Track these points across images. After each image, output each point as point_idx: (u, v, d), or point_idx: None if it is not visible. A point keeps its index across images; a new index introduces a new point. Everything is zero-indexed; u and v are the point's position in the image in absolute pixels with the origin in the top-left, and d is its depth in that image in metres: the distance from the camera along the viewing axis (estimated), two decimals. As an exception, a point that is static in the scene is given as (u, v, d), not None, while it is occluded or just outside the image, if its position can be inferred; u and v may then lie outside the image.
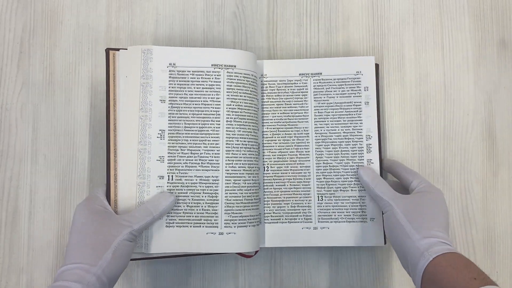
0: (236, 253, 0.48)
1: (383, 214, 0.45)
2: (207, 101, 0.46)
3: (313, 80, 0.50)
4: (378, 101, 0.52)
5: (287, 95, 0.50)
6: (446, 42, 0.56)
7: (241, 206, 0.46)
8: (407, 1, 0.56)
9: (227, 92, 0.46)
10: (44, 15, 0.54)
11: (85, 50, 0.54)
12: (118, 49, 0.47)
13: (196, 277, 0.52)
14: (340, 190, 0.49)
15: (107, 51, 0.47)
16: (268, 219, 0.49)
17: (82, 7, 0.54)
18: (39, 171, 0.52)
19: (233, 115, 0.46)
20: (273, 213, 0.49)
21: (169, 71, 0.46)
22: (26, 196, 0.52)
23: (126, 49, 0.47)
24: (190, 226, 0.45)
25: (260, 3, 0.55)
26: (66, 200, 0.52)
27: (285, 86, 0.51)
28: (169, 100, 0.46)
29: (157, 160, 0.45)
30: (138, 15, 0.55)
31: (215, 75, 0.46)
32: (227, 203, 0.46)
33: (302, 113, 0.50)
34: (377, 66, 0.53)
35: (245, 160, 0.47)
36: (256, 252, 0.49)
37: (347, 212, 0.49)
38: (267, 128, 0.50)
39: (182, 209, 0.45)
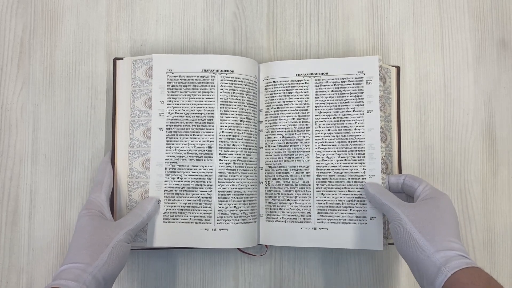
0: (243, 252, 0.49)
1: (389, 224, 0.43)
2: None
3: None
4: (398, 103, 0.52)
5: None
6: (446, 42, 0.56)
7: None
8: (407, 1, 0.56)
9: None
10: (44, 15, 0.54)
11: (85, 50, 0.54)
12: (122, 58, 0.51)
13: (196, 277, 0.52)
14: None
15: (114, 60, 0.51)
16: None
17: (82, 7, 0.54)
18: (39, 171, 0.52)
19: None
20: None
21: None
22: (26, 196, 0.52)
23: (122, 58, 0.51)
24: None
25: (260, 3, 0.55)
26: (66, 200, 0.52)
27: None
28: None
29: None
30: (138, 15, 0.55)
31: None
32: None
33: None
34: (398, 68, 0.52)
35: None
36: (265, 251, 0.50)
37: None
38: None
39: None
